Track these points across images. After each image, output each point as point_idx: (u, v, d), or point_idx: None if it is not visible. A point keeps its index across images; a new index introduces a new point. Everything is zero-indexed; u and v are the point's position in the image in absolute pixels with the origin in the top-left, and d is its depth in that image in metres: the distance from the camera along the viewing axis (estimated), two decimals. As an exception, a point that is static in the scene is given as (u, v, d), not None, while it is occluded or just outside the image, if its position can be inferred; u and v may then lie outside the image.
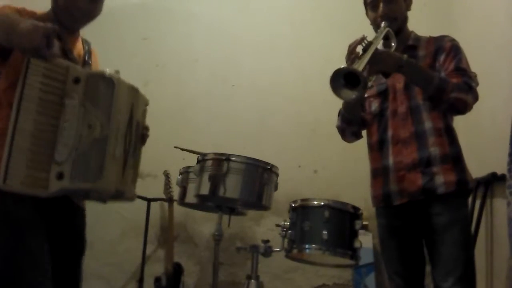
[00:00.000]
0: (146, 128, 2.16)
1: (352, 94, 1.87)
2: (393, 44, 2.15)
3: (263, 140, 3.75)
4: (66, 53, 1.97)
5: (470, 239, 2.08)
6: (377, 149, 2.25)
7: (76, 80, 1.82)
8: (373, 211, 3.47)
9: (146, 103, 2.14)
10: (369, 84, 2.08)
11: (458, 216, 2.05)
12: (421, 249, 2.19)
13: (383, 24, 2.15)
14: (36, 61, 1.76)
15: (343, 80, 1.86)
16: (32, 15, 1.93)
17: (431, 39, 2.23)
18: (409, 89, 2.17)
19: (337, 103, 3.79)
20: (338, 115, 2.39)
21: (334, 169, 3.76)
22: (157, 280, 3.29)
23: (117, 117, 1.86)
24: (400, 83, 2.20)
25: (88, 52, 2.17)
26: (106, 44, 3.44)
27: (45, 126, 1.80)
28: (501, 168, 2.15)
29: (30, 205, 1.84)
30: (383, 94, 2.24)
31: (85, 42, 2.18)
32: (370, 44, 1.98)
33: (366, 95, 2.30)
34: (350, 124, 2.34)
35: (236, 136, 3.69)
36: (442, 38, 2.21)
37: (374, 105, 2.28)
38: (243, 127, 3.80)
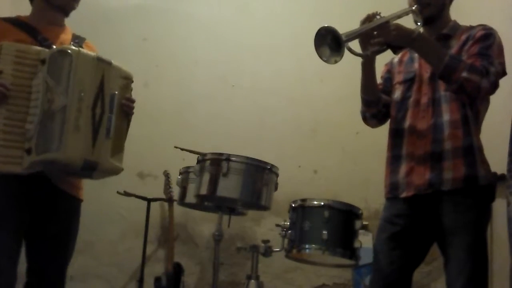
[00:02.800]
0: (130, 100, 2.16)
1: (329, 57, 1.90)
2: (418, 23, 2.08)
3: (263, 141, 3.75)
4: (41, 41, 2.10)
5: (480, 242, 1.99)
6: (392, 137, 2.21)
7: (43, 61, 1.97)
8: (373, 211, 3.49)
9: (126, 76, 2.16)
10: (368, 53, 2.07)
11: (467, 219, 1.98)
12: (418, 252, 2.14)
13: (414, 7, 2.10)
14: (7, 50, 1.96)
15: (330, 40, 1.88)
16: (15, 20, 2.16)
17: (468, 28, 2.14)
18: (434, 79, 2.10)
19: (337, 104, 3.83)
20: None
21: (334, 169, 3.76)
22: (157, 280, 3.29)
23: (78, 88, 1.95)
24: (427, 73, 2.14)
25: (78, 44, 2.20)
26: (106, 44, 3.44)
27: (18, 108, 1.97)
28: (501, 168, 2.14)
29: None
30: (408, 82, 2.19)
31: (75, 36, 2.26)
32: (382, 18, 1.98)
33: (393, 82, 2.28)
34: (369, 106, 2.28)
35: (236, 137, 3.69)
36: (477, 26, 2.11)
37: (397, 92, 2.23)
38: (243, 127, 3.80)
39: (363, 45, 2.08)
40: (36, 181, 2.05)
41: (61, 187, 2.15)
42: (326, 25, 1.88)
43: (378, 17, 2.00)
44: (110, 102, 2.05)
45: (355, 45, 2.05)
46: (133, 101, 2.18)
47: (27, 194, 2.06)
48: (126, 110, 2.15)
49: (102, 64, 2.05)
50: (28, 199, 2.07)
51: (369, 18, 2.01)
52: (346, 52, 2.03)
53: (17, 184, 2.02)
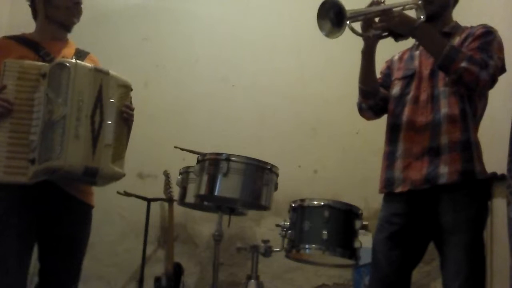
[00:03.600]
0: (129, 108, 2.22)
1: (330, 31, 1.92)
2: (421, 17, 2.09)
3: (263, 140, 3.75)
4: (43, 56, 2.20)
5: (478, 241, 2.00)
6: (389, 132, 2.21)
7: (43, 75, 2.06)
8: (373, 211, 3.49)
9: (125, 85, 2.22)
10: (370, 35, 2.07)
11: (466, 218, 1.97)
12: (416, 251, 2.14)
13: (419, 2, 2.11)
14: (10, 67, 2.07)
15: (333, 14, 1.90)
16: (18, 38, 2.27)
17: (467, 28, 2.16)
18: (434, 76, 2.11)
19: (337, 103, 3.82)
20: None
21: (334, 169, 3.76)
22: (157, 280, 3.29)
23: (76, 98, 2.03)
24: (427, 70, 2.15)
25: (80, 59, 2.28)
26: (106, 44, 3.45)
27: (22, 121, 2.07)
28: (501, 168, 2.15)
29: (4, 201, 2.07)
30: (408, 79, 2.20)
31: (78, 51, 2.34)
32: (387, 5, 2.01)
33: (392, 78, 2.28)
34: (366, 97, 2.27)
35: (236, 136, 3.69)
36: (477, 26, 2.13)
37: (396, 88, 2.23)
38: (243, 127, 3.80)
39: (365, 28, 2.08)
40: (45, 188, 2.10)
41: (70, 193, 2.20)
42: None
43: (382, 4, 2.03)
44: (109, 110, 2.12)
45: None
46: (132, 109, 2.24)
47: (34, 198, 2.11)
48: (125, 117, 2.20)
49: (99, 74, 2.12)
50: (35, 203, 2.12)
51: (374, 3, 2.04)
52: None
53: (23, 190, 2.07)
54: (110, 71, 2.16)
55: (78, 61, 2.12)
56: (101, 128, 2.08)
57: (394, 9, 2.02)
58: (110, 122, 2.11)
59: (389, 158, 2.17)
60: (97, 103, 2.08)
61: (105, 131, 2.09)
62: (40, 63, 2.14)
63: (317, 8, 1.92)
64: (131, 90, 2.27)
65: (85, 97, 2.05)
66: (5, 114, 2.05)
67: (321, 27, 1.93)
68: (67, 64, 2.06)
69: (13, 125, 2.06)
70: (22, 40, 2.26)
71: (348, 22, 1.90)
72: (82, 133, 2.02)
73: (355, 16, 1.94)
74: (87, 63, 2.14)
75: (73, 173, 2.02)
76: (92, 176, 2.06)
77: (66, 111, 2.01)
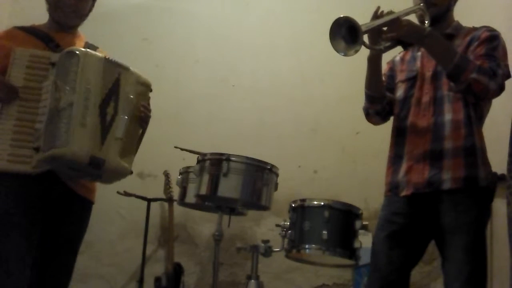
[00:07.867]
0: (146, 108, 2.21)
1: (344, 49, 1.88)
2: (426, 22, 2.08)
3: (263, 140, 3.75)
4: (53, 48, 2.17)
5: (480, 242, 1.99)
6: (395, 136, 2.21)
7: (53, 64, 2.04)
8: (373, 211, 3.49)
9: (144, 83, 2.23)
10: (382, 47, 2.05)
11: (466, 220, 1.97)
12: (416, 251, 2.14)
13: (421, 5, 2.10)
14: (19, 56, 2.05)
15: (345, 31, 1.87)
16: (28, 29, 2.24)
17: (471, 29, 2.15)
18: (436, 78, 2.10)
19: (337, 104, 3.83)
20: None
21: (334, 169, 3.76)
22: (157, 280, 3.29)
23: (84, 86, 2.00)
24: (429, 72, 2.14)
25: None
26: (106, 44, 3.43)
27: (28, 109, 2.04)
28: (501, 168, 2.15)
29: (8, 198, 2.03)
30: (411, 81, 2.19)
31: (88, 45, 2.31)
32: (392, 13, 1.99)
33: (396, 80, 2.27)
34: (373, 103, 2.25)
35: (236, 136, 3.69)
36: (481, 27, 2.12)
37: (400, 91, 2.23)
38: (243, 127, 3.80)
39: (373, 39, 2.05)
40: (50, 183, 2.09)
41: (75, 189, 2.18)
42: (343, 15, 1.87)
43: (388, 15, 2.00)
44: (125, 105, 2.11)
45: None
46: (149, 110, 2.23)
47: (40, 195, 2.09)
48: (142, 117, 2.19)
49: (117, 67, 2.11)
50: (41, 200, 2.09)
51: (376, 13, 2.01)
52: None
53: (30, 185, 2.05)
54: (130, 67, 2.16)
55: (88, 50, 2.09)
56: (114, 121, 2.06)
57: (401, 18, 1.99)
58: (123, 116, 2.09)
59: (395, 162, 2.17)
60: (111, 95, 2.07)
61: (118, 125, 2.07)
62: (50, 52, 2.12)
63: (329, 28, 1.88)
64: (151, 90, 2.26)
65: (93, 86, 2.02)
66: (8, 100, 2.03)
67: (335, 47, 1.90)
68: (77, 52, 2.04)
69: (20, 113, 2.04)
70: (32, 31, 2.23)
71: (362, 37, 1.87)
72: (89, 122, 1.99)
73: (368, 30, 1.92)
74: (97, 53, 2.12)
75: (78, 162, 1.98)
76: (97, 168, 2.02)
77: (73, 98, 1.97)
